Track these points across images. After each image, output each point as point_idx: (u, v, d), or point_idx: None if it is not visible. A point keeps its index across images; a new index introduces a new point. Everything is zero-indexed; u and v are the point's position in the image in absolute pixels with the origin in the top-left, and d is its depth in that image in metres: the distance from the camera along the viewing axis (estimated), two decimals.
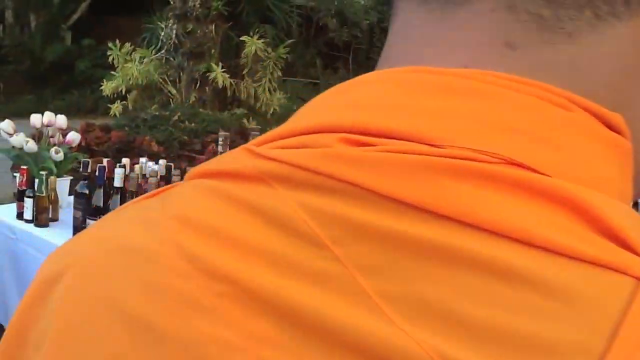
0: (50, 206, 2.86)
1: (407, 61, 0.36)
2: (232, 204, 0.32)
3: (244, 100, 6.71)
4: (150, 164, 2.65)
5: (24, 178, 2.88)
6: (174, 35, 6.54)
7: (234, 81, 6.41)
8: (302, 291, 0.29)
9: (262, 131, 5.34)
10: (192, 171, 0.38)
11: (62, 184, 3.03)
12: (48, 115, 3.15)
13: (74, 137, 3.12)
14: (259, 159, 0.33)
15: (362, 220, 0.30)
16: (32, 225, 2.84)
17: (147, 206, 0.36)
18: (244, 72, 6.50)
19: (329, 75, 10.77)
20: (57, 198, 2.93)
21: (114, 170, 2.54)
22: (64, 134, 3.17)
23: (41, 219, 2.82)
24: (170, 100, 6.78)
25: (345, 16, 11.55)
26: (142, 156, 4.49)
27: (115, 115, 7.29)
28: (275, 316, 0.29)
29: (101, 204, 2.53)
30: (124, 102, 7.35)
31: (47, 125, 3.14)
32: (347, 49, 12.02)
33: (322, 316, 0.28)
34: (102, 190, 2.55)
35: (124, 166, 2.58)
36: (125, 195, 2.50)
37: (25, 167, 2.90)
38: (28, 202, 2.85)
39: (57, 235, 2.75)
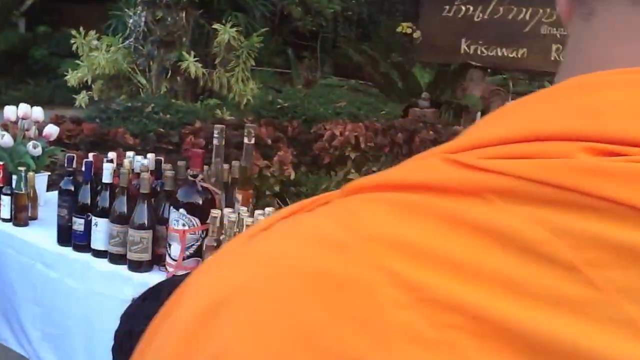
0: (30, 204, 2.69)
1: (631, 62, 0.32)
2: (444, 221, 0.29)
3: (216, 91, 6.54)
4: (139, 158, 2.50)
5: (1, 174, 2.70)
6: (142, 23, 6.32)
7: (206, 71, 6.23)
8: (554, 321, 0.26)
9: (237, 122, 5.22)
10: (357, 183, 0.35)
11: (40, 180, 2.86)
12: (23, 108, 2.96)
13: (51, 130, 2.94)
14: (468, 170, 0.30)
15: (623, 239, 0.27)
16: (10, 224, 2.66)
17: (311, 223, 0.32)
18: (216, 61, 6.33)
19: (297, 64, 10.63)
20: (37, 195, 2.76)
21: (101, 166, 2.39)
22: (40, 127, 2.99)
23: (20, 217, 2.65)
24: (140, 90, 6.56)
25: (309, 5, 11.41)
26: (115, 149, 4.31)
27: (81, 106, 7.03)
28: (522, 350, 0.26)
29: (88, 202, 2.38)
30: (90, 92, 7.09)
31: (23, 118, 2.95)
32: (313, 37, 11.90)
33: (584, 350, 0.25)
34: (89, 186, 2.40)
35: (111, 161, 2.43)
36: (114, 191, 2.35)
37: (0, 162, 2.71)
38: (5, 200, 2.67)
39: (38, 234, 2.59)
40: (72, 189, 2.44)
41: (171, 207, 2.21)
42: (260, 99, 6.41)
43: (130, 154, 2.58)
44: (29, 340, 2.58)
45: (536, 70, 7.41)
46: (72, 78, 6.78)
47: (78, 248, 2.42)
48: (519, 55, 7.32)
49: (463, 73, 7.53)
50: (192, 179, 2.22)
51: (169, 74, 6.28)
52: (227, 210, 2.19)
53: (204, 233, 2.22)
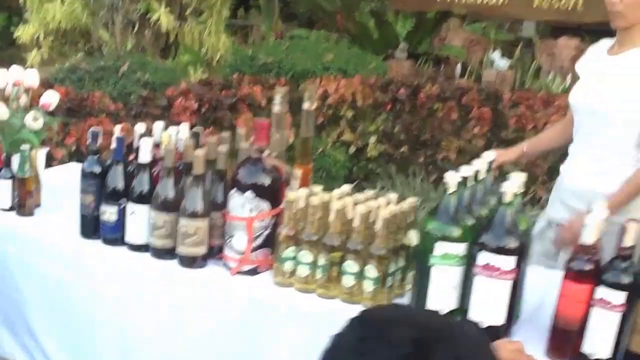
0: (34, 189, 2.24)
1: None
2: None
3: (187, 46, 6.00)
4: (172, 130, 2.07)
5: None
6: None
7: (177, 23, 5.68)
8: None
9: (225, 82, 4.73)
10: None
11: (40, 160, 2.40)
12: (15, 71, 2.46)
13: (50, 98, 2.46)
14: None
15: None
16: (11, 215, 2.21)
17: None
18: (187, 12, 5.77)
19: (254, 16, 10.03)
20: (39, 178, 2.30)
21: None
22: (36, 95, 2.50)
23: (26, 206, 2.20)
24: (102, 47, 5.95)
25: None
26: (96, 116, 3.81)
27: (32, 66, 6.35)
28: None
29: (121, 186, 1.96)
30: (42, 49, 6.42)
31: (14, 85, 2.45)
32: None
33: None
34: (121, 167, 1.98)
35: (147, 134, 2.01)
36: (156, 174, 1.95)
37: None
38: (4, 186, 2.21)
39: (49, 226, 2.16)
40: (99, 170, 2.01)
41: (233, 190, 1.83)
42: (235, 55, 5.91)
43: (159, 124, 2.16)
44: (43, 351, 2.17)
45: (517, 17, 7.18)
46: (24, 34, 6.09)
47: (109, 242, 2.01)
48: (499, 3, 7.05)
49: (441, 22, 7.22)
50: (257, 155, 1.84)
51: (136, 28, 5.69)
52: (302, 192, 1.82)
53: (274, 219, 1.85)
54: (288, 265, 1.79)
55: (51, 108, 2.47)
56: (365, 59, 5.67)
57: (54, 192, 2.35)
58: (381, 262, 1.68)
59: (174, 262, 1.92)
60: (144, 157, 1.93)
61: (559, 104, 4.27)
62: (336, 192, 1.84)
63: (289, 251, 1.78)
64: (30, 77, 2.49)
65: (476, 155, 4.55)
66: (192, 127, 3.96)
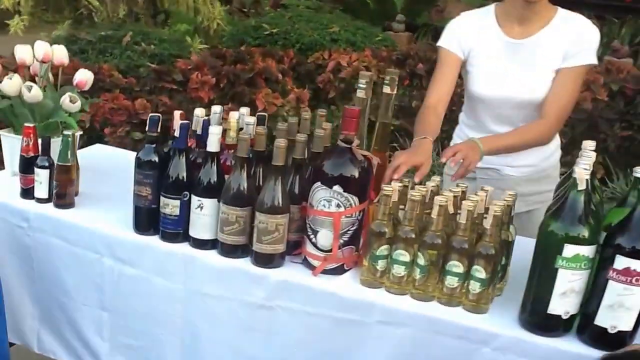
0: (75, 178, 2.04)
1: None
2: None
3: (181, 14, 5.72)
4: (235, 114, 1.88)
5: (32, 141, 2.02)
6: None
7: None
8: None
9: (238, 54, 4.48)
10: None
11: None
12: (42, 46, 2.23)
13: (85, 76, 2.24)
14: None
15: None
16: (48, 206, 2.02)
17: None
18: None
19: None
20: (79, 165, 2.10)
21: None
22: (68, 73, 2.28)
23: (66, 196, 2.00)
24: (92, 14, 5.63)
25: None
26: (109, 91, 3.57)
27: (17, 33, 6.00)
28: None
29: (184, 177, 1.78)
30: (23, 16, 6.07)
31: (42, 61, 2.23)
32: None
33: None
34: (183, 157, 1.79)
35: (219, 119, 1.83)
36: (225, 165, 1.78)
37: (30, 124, 2.02)
38: (42, 175, 2.01)
39: (96, 218, 1.97)
40: (156, 159, 1.82)
41: (318, 183, 1.67)
42: (235, 25, 5.66)
43: (217, 108, 1.97)
44: (93, 352, 2.00)
45: None
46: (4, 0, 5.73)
47: (170, 237, 1.83)
48: None
49: None
50: (346, 145, 1.67)
51: None
52: (396, 185, 1.67)
53: (361, 214, 1.70)
54: (381, 264, 1.64)
55: (87, 87, 2.26)
56: (371, 32, 5.47)
57: (91, 178, 2.15)
58: (489, 262, 1.54)
59: (245, 260, 1.75)
60: (213, 145, 1.75)
61: None
62: (429, 184, 1.70)
63: (383, 249, 1.63)
64: (58, 52, 2.26)
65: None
66: (209, 102, 3.78)
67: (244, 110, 1.97)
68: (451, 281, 1.57)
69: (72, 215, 1.99)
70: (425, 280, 1.60)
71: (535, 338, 1.49)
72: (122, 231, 1.89)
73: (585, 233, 1.40)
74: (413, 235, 1.60)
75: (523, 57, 2.08)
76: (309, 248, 1.72)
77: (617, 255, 1.37)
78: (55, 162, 1.99)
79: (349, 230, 1.68)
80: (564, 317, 1.47)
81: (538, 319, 1.49)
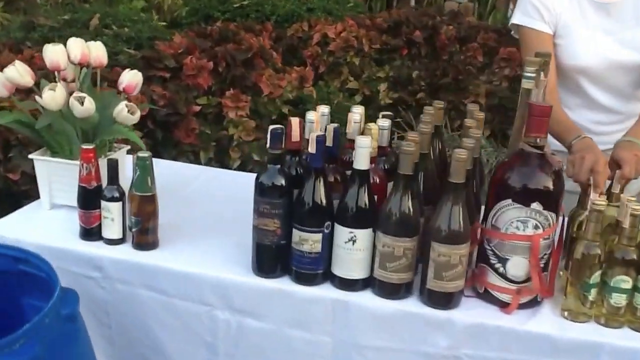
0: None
1: None
2: None
3: None
4: (355, 117, 1.52)
5: (94, 167, 1.58)
6: None
7: None
8: None
9: (166, 31, 3.93)
10: None
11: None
12: (77, 45, 1.75)
13: (134, 78, 1.79)
14: None
15: None
16: (124, 247, 1.60)
17: None
18: None
19: None
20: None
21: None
22: (114, 78, 1.82)
23: (149, 233, 1.59)
24: None
25: None
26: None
27: None
28: None
29: (325, 203, 1.42)
30: None
31: (80, 64, 1.76)
32: None
33: None
34: (321, 179, 1.42)
35: (360, 128, 1.47)
36: (379, 188, 1.43)
37: (89, 146, 1.58)
38: (113, 210, 1.58)
39: (184, 256, 1.58)
40: (285, 183, 1.44)
41: (508, 201, 1.35)
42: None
43: (324, 109, 1.60)
44: None
45: None
46: None
47: (308, 279, 1.47)
48: None
49: None
50: (537, 151, 1.36)
51: None
52: (592, 196, 1.38)
53: (555, 233, 1.40)
54: (593, 293, 1.36)
55: (136, 92, 1.81)
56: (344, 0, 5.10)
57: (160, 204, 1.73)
58: None
59: (412, 301, 1.43)
60: (363, 162, 1.39)
61: None
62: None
63: (596, 275, 1.35)
64: (96, 50, 1.79)
65: (505, 99, 4.16)
66: (209, 88, 3.33)
67: (358, 109, 1.59)
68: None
69: (161, 258, 1.58)
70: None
71: None
72: (238, 275, 1.51)
73: None
74: (634, 257, 1.32)
75: (619, 17, 1.86)
76: (493, 279, 1.41)
77: None
78: (128, 191, 1.57)
79: (545, 254, 1.39)
80: None
81: None
